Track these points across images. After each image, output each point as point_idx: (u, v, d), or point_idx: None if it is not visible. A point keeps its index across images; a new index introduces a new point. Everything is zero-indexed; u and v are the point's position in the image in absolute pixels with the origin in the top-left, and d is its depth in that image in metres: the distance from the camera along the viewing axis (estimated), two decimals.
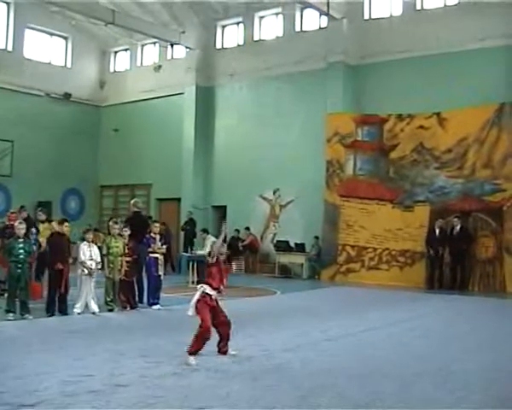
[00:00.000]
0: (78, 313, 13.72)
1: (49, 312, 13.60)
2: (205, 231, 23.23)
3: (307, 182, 25.83)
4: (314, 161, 25.51)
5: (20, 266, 13.20)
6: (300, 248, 25.52)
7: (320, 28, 27.05)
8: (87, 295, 13.90)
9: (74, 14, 29.26)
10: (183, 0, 29.00)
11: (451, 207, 22.46)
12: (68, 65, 33.52)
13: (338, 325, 13.07)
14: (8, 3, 30.68)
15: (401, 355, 10.15)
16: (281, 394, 7.46)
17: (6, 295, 13.71)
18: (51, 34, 32.93)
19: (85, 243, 14.21)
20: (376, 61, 25.29)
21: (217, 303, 9.69)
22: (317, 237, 25.36)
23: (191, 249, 25.37)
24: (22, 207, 18.39)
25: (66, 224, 14.40)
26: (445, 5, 24.39)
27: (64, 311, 13.64)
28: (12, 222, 17.05)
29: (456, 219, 21.91)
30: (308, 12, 27.35)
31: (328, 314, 14.90)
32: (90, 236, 14.33)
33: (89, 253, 14.03)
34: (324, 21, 26.61)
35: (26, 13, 30.73)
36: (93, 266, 13.98)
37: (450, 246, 21.85)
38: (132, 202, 17.90)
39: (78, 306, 13.75)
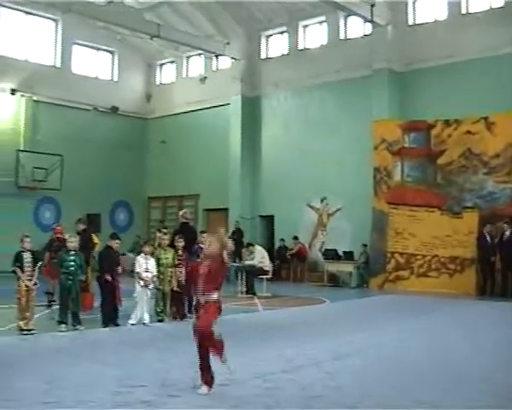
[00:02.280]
0: (132, 324, 13.84)
1: (105, 323, 13.77)
2: (249, 244, 23.25)
3: (354, 190, 25.73)
4: (361, 168, 25.42)
5: (71, 277, 13.37)
6: (349, 256, 25.40)
7: (364, 35, 26.97)
8: (142, 307, 14.04)
9: (120, 28, 29.62)
10: (225, 8, 29.13)
11: (500, 213, 22.16)
12: (115, 79, 33.97)
13: (386, 333, 12.99)
14: (55, 21, 31.20)
15: (446, 362, 10.04)
16: (330, 403, 7.45)
17: (57, 306, 13.95)
18: (98, 49, 33.41)
19: (142, 255, 14.41)
20: (421, 66, 25.10)
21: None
22: (365, 245, 25.23)
23: (239, 260, 25.42)
24: (80, 219, 18.63)
25: (118, 241, 14.54)
26: (491, 8, 24.09)
27: (115, 322, 13.79)
28: (58, 235, 17.36)
29: (505, 225, 21.61)
30: (352, 19, 27.29)
31: (376, 322, 14.80)
32: (147, 249, 14.53)
33: (145, 265, 14.20)
34: (368, 28, 26.52)
35: (73, 29, 31.22)
36: (149, 278, 14.13)
37: (501, 252, 21.56)
38: (181, 212, 17.99)
39: (133, 317, 13.88)
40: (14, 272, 12.70)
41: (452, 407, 7.37)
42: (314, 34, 29.01)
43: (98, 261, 14.76)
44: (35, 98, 30.16)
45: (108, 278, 13.78)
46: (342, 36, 27.84)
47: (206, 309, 8.09)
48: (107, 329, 13.47)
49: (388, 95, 25.52)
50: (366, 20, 25.69)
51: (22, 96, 29.70)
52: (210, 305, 8.16)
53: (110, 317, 13.89)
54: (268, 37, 30.69)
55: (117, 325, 13.76)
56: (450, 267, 22.97)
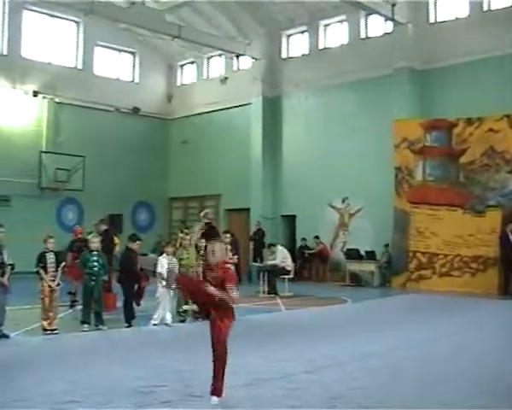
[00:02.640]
0: (154, 325, 13.90)
1: (128, 323, 13.86)
2: (272, 245, 23.25)
3: (376, 189, 25.63)
4: (382, 167, 25.31)
5: (94, 278, 13.48)
6: (371, 255, 25.33)
7: (385, 34, 26.83)
8: (164, 307, 14.09)
9: (141, 30, 29.72)
10: (246, 8, 29.17)
11: None
12: (136, 80, 34.10)
13: (409, 334, 12.93)
14: (77, 23, 31.37)
15: (470, 364, 10.00)
16: (353, 403, 7.44)
17: (80, 306, 14.08)
18: (119, 51, 33.56)
19: (165, 255, 14.47)
20: (443, 64, 24.91)
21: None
22: (387, 245, 25.15)
23: (261, 260, 25.45)
24: (102, 220, 18.76)
25: (138, 242, 14.60)
26: None
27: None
28: (79, 236, 17.50)
29: None
30: (373, 18, 27.18)
31: (399, 323, 14.76)
32: (169, 249, 14.60)
33: (167, 265, 14.24)
34: (389, 27, 26.41)
35: (94, 31, 31.37)
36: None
37: None
38: (203, 213, 18.01)
39: (155, 317, 13.93)
40: (37, 272, 12.81)
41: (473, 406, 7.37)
42: (335, 33, 28.93)
43: (119, 263, 14.86)
44: (57, 100, 30.33)
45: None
46: (363, 35, 27.74)
47: (220, 316, 7.62)
48: (129, 329, 13.54)
49: (409, 93, 25.40)
50: (387, 19, 25.62)
51: (44, 98, 29.87)
52: (224, 310, 7.66)
53: (133, 317, 13.99)
54: (289, 36, 30.66)
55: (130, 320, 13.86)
56: (473, 267, 22.83)
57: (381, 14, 25.42)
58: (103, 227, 17.66)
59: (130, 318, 13.90)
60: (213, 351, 7.47)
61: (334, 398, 7.69)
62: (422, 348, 11.40)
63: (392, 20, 25.05)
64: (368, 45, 27.22)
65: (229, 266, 7.74)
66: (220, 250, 7.64)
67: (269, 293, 21.19)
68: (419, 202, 24.15)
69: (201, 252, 15.13)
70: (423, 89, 25.24)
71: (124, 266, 14.34)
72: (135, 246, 14.47)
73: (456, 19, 25.18)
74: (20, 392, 7.92)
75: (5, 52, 28.95)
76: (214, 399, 7.34)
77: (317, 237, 27.59)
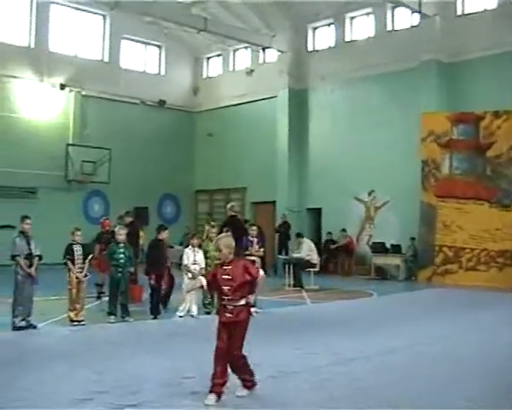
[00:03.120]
0: (180, 316, 13.95)
1: (153, 315, 13.93)
2: (299, 235, 23.26)
3: (402, 183, 25.52)
4: (408, 161, 25.19)
5: (120, 270, 13.58)
6: (396, 249, 25.25)
7: (412, 27, 26.68)
8: (191, 299, 14.13)
9: (167, 23, 29.78)
10: (272, 0, 29.12)
11: None
12: (162, 73, 34.19)
13: (433, 329, 12.84)
14: (104, 16, 31.51)
15: (497, 360, 9.94)
16: (381, 397, 7.43)
17: (106, 298, 14.19)
18: (145, 44, 33.66)
19: (190, 247, 14.52)
20: (470, 57, 24.69)
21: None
22: (413, 238, 25.04)
23: (286, 252, 25.42)
24: (127, 212, 18.83)
25: (167, 232, 14.67)
26: None
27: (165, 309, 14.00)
28: (107, 228, 17.58)
29: None
30: (399, 10, 27.04)
31: (424, 317, 14.65)
32: (195, 241, 14.63)
33: (193, 257, 14.30)
34: (416, 19, 26.24)
35: (121, 24, 31.48)
36: (197, 271, 14.22)
37: None
38: (229, 205, 18.08)
39: (181, 309, 13.98)
40: (65, 264, 12.91)
41: (502, 406, 7.32)
42: (361, 26, 28.83)
43: (147, 254, 14.92)
44: (84, 93, 30.51)
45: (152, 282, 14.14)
46: (389, 27, 27.59)
47: (236, 325, 7.45)
48: (155, 321, 13.61)
49: (436, 86, 25.24)
50: (414, 11, 25.46)
51: (71, 90, 30.06)
52: (239, 312, 7.49)
53: (159, 308, 14.07)
54: (315, 29, 30.57)
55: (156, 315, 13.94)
56: (499, 261, 22.68)
57: (407, 7, 25.29)
58: (129, 219, 17.73)
59: (156, 311, 14.00)
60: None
61: (360, 391, 7.68)
62: (450, 342, 11.31)
63: (419, 12, 24.89)
64: (394, 38, 27.07)
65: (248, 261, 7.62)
66: (226, 246, 7.45)
67: (294, 286, 21.19)
68: (445, 196, 24.02)
69: None
70: (450, 82, 25.05)
71: (152, 256, 14.42)
72: (163, 235, 14.58)
73: (484, 10, 24.96)
74: (49, 381, 8.00)
75: (33, 45, 29.19)
76: (243, 391, 7.42)
77: (343, 230, 27.53)
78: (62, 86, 29.63)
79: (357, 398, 7.40)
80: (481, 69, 24.32)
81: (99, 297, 16.75)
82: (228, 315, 7.36)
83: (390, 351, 10.28)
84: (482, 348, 10.81)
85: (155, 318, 13.85)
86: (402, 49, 26.26)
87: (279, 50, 30.34)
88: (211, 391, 7.11)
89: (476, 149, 23.54)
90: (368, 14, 28.44)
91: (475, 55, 24.48)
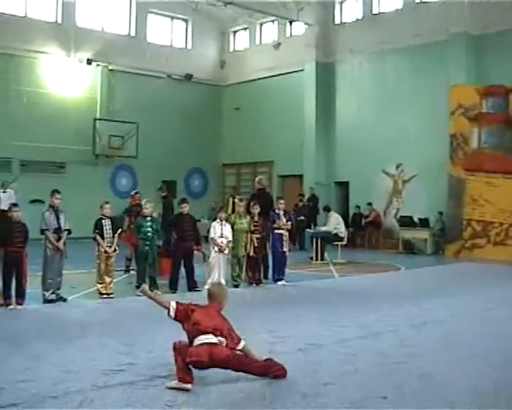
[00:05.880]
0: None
1: (172, 288, 14.05)
2: (326, 208, 23.24)
3: (430, 156, 25.36)
4: (437, 135, 25.00)
5: (148, 243, 13.70)
6: (424, 223, 25.10)
7: None
8: (218, 272, 14.20)
9: None
10: None
11: None
12: (189, 46, 34.11)
13: (463, 303, 12.84)
14: None
15: None
16: (407, 371, 7.44)
17: (134, 271, 14.33)
18: (172, 18, 33.57)
19: (218, 221, 14.58)
20: (500, 29, 24.29)
21: None
22: (440, 213, 24.89)
23: (314, 226, 25.41)
24: (162, 186, 18.88)
25: (184, 205, 14.67)
26: None
27: (193, 287, 14.06)
28: (137, 202, 17.70)
29: None
30: None
31: (453, 291, 14.60)
32: (222, 215, 14.71)
33: (220, 231, 14.36)
34: None
35: None
36: (224, 243, 14.28)
37: None
38: (257, 179, 18.11)
39: (209, 281, 14.04)
40: (94, 238, 13.02)
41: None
42: None
43: (167, 224, 15.14)
44: (111, 67, 30.57)
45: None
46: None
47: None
48: (182, 294, 13.66)
49: (465, 59, 24.92)
50: None
51: (98, 65, 30.13)
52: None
53: (178, 282, 14.18)
54: (342, 2, 30.30)
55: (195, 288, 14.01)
56: None
57: None
58: (163, 193, 17.92)
59: (174, 282, 14.16)
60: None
61: (389, 363, 7.70)
62: (478, 318, 11.26)
63: None
64: (423, 10, 26.73)
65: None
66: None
67: (321, 259, 21.22)
68: (474, 170, 23.84)
69: (255, 218, 15.21)
70: (480, 54, 24.73)
71: (171, 229, 14.58)
72: (181, 209, 14.62)
73: None
74: (80, 353, 8.11)
75: (60, 21, 29.25)
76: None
77: (369, 204, 27.44)
78: (89, 61, 29.69)
79: (386, 370, 7.43)
80: (510, 42, 23.97)
81: (127, 271, 16.87)
82: None
83: (419, 325, 10.29)
84: (508, 324, 10.79)
85: (175, 291, 13.96)
86: (430, 22, 25.94)
87: (306, 23, 30.13)
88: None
89: (505, 123, 23.30)
90: None
91: (506, 27, 24.11)
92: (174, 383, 6.69)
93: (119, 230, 13.59)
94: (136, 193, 18.59)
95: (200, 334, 6.97)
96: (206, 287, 13.98)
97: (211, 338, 6.93)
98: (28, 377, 7.02)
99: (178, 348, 6.94)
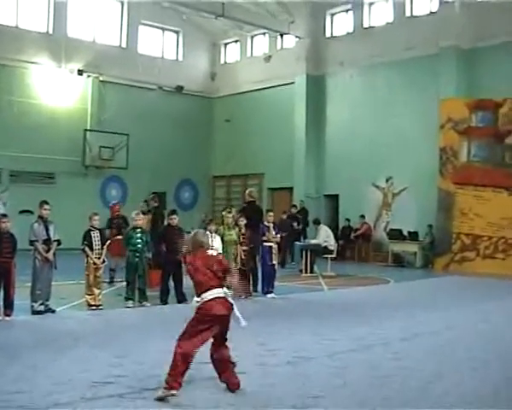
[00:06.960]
0: (197, 302, 13.95)
1: (163, 300, 13.99)
2: (316, 221, 23.24)
3: (420, 170, 25.45)
4: (426, 148, 25.10)
5: (137, 255, 13.68)
6: (414, 236, 25.15)
7: (431, 12, 26.43)
8: None
9: (185, 8, 29.73)
10: None
11: None
12: (180, 58, 34.14)
13: (450, 317, 12.81)
14: (122, 2, 31.56)
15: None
16: (399, 383, 7.43)
17: (120, 283, 14.28)
18: (163, 29, 33.61)
19: (207, 233, 14.53)
20: (490, 43, 24.42)
21: None
22: (430, 226, 24.94)
23: (304, 238, 25.40)
24: (153, 197, 18.81)
25: (173, 216, 14.66)
26: None
27: (182, 300, 13.97)
28: (117, 213, 17.66)
29: None
30: None
31: (442, 305, 14.60)
32: (212, 227, 14.68)
33: (210, 243, 14.32)
34: (435, 5, 26.04)
35: (139, 10, 31.51)
36: None
37: None
38: (247, 191, 18.09)
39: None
40: (83, 250, 12.98)
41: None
42: (379, 12, 28.63)
43: (157, 237, 15.04)
44: (102, 78, 30.53)
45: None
46: (408, 13, 27.38)
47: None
48: (172, 306, 13.61)
49: (455, 73, 25.02)
50: None
51: (89, 76, 30.10)
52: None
53: (168, 294, 14.12)
54: (333, 15, 30.40)
55: (184, 301, 13.92)
56: None
57: None
58: (154, 204, 17.87)
59: (164, 294, 14.11)
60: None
61: (379, 377, 7.68)
62: (467, 331, 11.28)
63: None
64: (413, 24, 26.84)
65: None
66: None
67: (311, 272, 21.21)
68: (463, 183, 23.90)
69: (242, 230, 15.21)
70: (470, 68, 24.84)
71: (161, 240, 14.54)
72: (170, 221, 14.60)
73: None
74: (69, 364, 8.08)
75: (51, 31, 29.24)
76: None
77: (362, 217, 27.46)
78: (80, 72, 29.66)
79: (375, 383, 7.41)
80: (501, 56, 24.09)
81: (111, 282, 16.84)
82: None
83: (410, 337, 10.29)
84: (500, 338, 10.79)
85: (165, 303, 13.93)
86: (421, 36, 26.06)
87: (297, 36, 30.22)
88: None
89: (495, 137, 23.39)
90: None
91: (496, 42, 24.23)
92: (160, 392, 6.69)
93: (108, 241, 13.56)
94: (114, 204, 18.53)
95: (209, 288, 7.46)
96: (195, 299, 14.00)
97: (219, 292, 7.39)
98: (20, 388, 6.99)
99: (186, 354, 7.03)
